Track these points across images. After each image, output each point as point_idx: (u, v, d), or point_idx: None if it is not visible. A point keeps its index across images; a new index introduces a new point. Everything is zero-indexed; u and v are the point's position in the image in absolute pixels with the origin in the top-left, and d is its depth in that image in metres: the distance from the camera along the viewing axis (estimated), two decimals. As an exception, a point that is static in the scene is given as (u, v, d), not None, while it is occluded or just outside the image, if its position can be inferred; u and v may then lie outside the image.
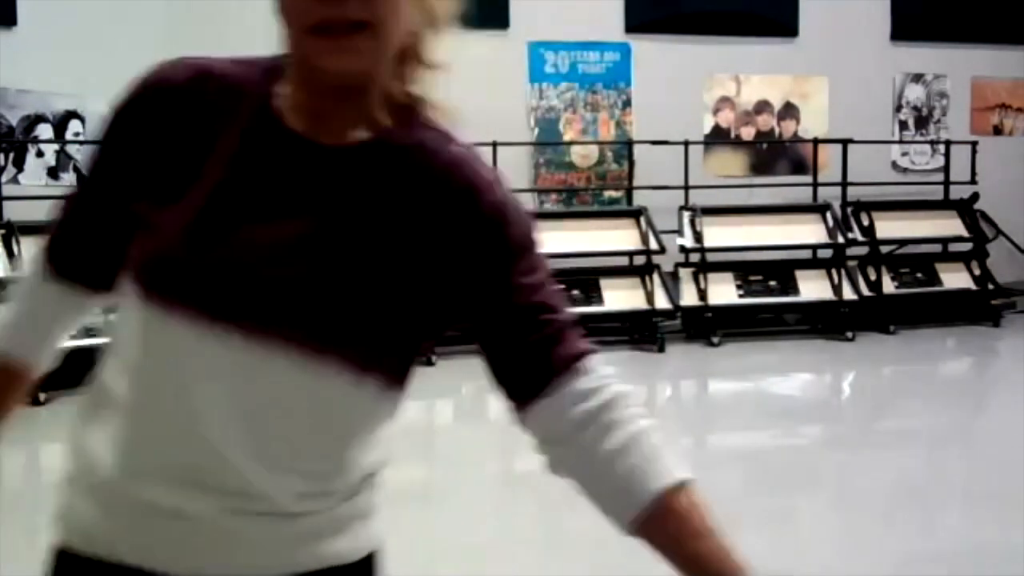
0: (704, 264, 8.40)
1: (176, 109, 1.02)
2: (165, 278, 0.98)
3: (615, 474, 0.98)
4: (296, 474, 1.00)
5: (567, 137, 9.43)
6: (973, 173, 9.67)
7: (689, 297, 8.29)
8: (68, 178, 7.83)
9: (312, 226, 0.99)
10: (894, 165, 10.20)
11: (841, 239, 8.63)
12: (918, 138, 10.29)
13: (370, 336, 0.99)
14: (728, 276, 8.49)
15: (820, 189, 9.13)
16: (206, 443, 0.97)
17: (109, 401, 1.03)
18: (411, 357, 1.05)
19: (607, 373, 1.03)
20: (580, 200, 9.50)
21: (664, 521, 0.97)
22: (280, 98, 1.02)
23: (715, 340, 8.08)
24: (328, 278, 0.98)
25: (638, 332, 8.14)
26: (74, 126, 7.84)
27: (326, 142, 1.01)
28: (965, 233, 9.16)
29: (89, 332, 6.76)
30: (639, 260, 8.27)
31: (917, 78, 10.28)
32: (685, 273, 8.42)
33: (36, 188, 7.52)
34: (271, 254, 0.98)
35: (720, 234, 8.46)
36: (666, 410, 6.63)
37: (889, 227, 8.90)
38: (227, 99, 1.02)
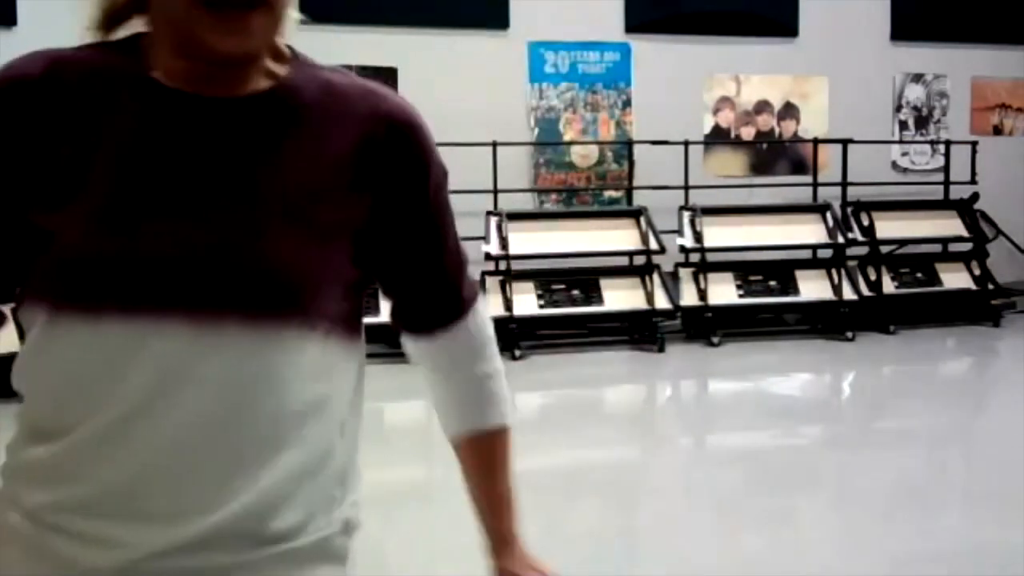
0: (704, 264, 8.40)
1: (41, 104, 0.94)
2: (85, 282, 0.90)
3: (465, 398, 1.17)
4: (281, 472, 0.94)
5: (567, 137, 9.43)
6: (973, 173, 9.67)
7: (689, 297, 8.29)
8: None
9: (235, 183, 0.94)
10: (894, 165, 10.20)
11: (841, 239, 8.63)
12: (918, 138, 10.29)
13: (308, 287, 0.96)
14: (728, 276, 8.49)
15: (820, 189, 9.13)
16: (166, 459, 0.91)
17: (38, 440, 0.95)
18: (352, 303, 1.04)
19: (485, 314, 1.18)
20: (580, 200, 9.50)
21: (477, 449, 1.18)
22: (156, 72, 0.96)
23: (715, 340, 8.08)
24: (262, 232, 0.93)
25: (638, 332, 8.14)
26: (74, 126, 7.85)
27: (224, 95, 0.96)
28: (965, 233, 9.16)
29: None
30: (639, 260, 8.27)
31: (917, 78, 10.28)
32: (685, 273, 8.42)
33: (36, 188, 7.54)
34: (195, 225, 0.92)
35: (720, 234, 8.46)
36: (666, 410, 6.64)
37: (889, 227, 8.90)
38: (95, 83, 0.96)
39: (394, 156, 1.03)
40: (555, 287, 8.02)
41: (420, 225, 1.08)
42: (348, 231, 1.00)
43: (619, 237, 8.24)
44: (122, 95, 0.95)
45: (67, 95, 0.95)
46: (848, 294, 8.48)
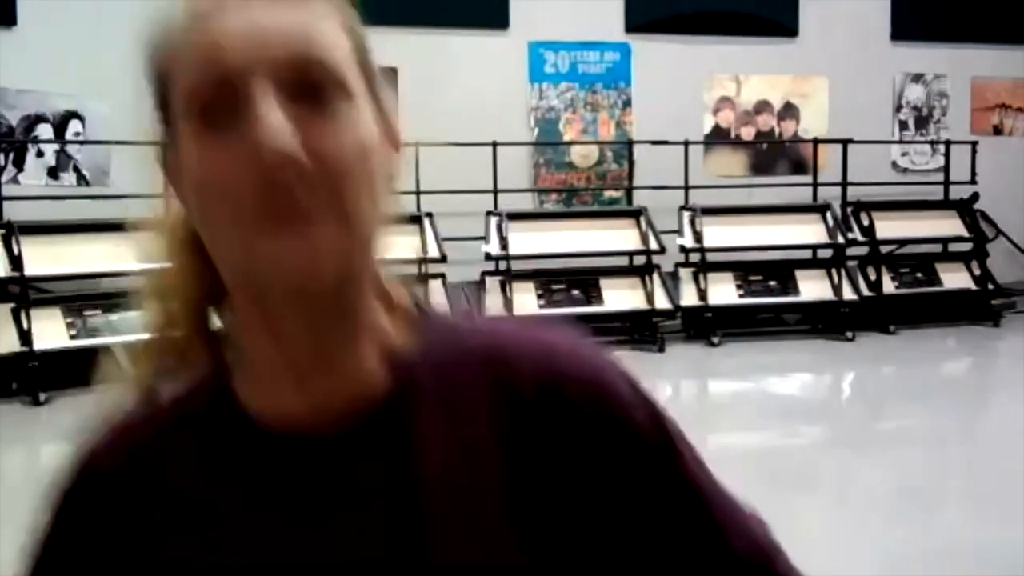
0: (704, 264, 8.40)
1: (117, 505, 0.76)
2: None
3: None
4: None
5: (567, 137, 9.43)
6: (973, 173, 9.67)
7: (689, 297, 8.29)
8: (68, 178, 7.83)
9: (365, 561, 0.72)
10: (894, 165, 10.20)
11: (841, 239, 8.63)
12: (918, 138, 10.29)
13: None
14: (728, 276, 8.49)
15: (820, 189, 9.13)
16: None
17: None
18: None
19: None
20: (580, 200, 9.50)
21: None
22: (245, 397, 0.74)
23: (715, 340, 8.08)
24: None
25: (638, 332, 8.14)
26: (74, 126, 7.85)
27: (332, 425, 0.72)
28: (965, 233, 9.17)
29: (91, 332, 6.80)
30: (639, 260, 8.27)
31: (917, 78, 10.28)
32: (685, 273, 8.42)
33: (36, 188, 7.53)
34: None
35: (720, 234, 8.46)
36: (666, 410, 6.63)
37: (889, 227, 8.90)
38: (178, 456, 0.76)
39: (576, 452, 0.73)
40: (555, 287, 8.02)
41: (660, 527, 0.75)
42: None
43: (619, 237, 8.24)
44: (214, 463, 0.75)
45: (148, 485, 0.76)
46: (848, 294, 8.48)
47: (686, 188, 8.78)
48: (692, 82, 9.60)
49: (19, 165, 7.54)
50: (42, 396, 6.23)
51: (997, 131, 10.54)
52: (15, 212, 6.98)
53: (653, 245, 8.19)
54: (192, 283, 0.78)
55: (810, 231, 8.72)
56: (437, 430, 0.73)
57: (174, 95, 0.70)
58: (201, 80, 0.67)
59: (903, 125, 10.28)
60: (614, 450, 0.74)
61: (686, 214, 8.53)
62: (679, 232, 8.46)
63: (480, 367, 0.75)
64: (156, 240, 0.81)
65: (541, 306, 7.92)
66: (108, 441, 0.78)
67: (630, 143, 9.16)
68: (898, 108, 10.25)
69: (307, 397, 0.72)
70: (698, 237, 8.39)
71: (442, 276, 7.59)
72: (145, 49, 0.74)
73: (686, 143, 8.90)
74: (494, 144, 8.14)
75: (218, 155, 0.67)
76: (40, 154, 7.70)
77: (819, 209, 8.88)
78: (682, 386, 7.44)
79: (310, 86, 0.67)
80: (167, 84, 0.71)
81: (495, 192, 8.34)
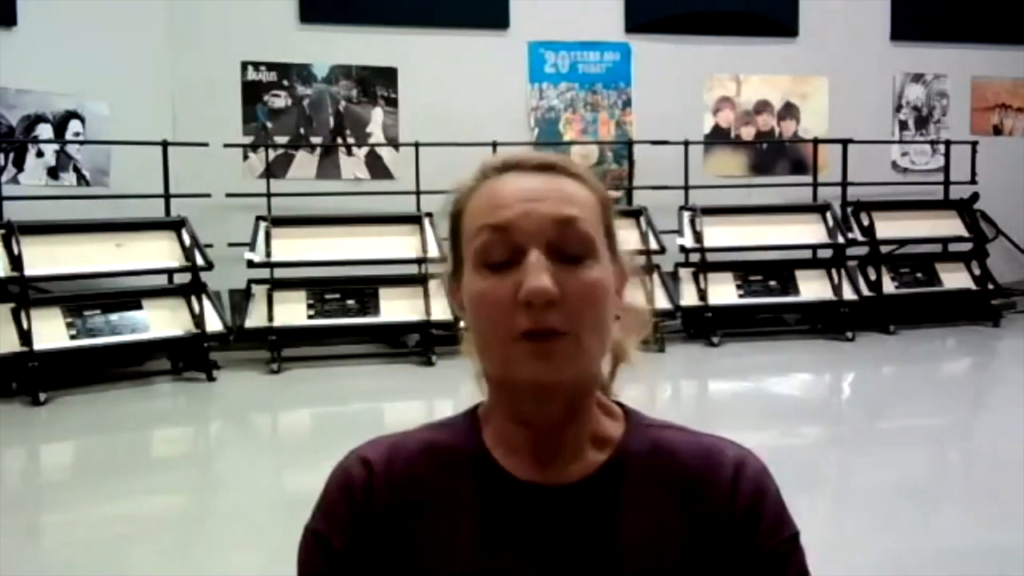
0: (704, 264, 8.40)
1: (375, 521, 0.98)
2: None
3: None
4: None
5: (567, 137, 9.43)
6: (973, 173, 9.67)
7: (689, 297, 8.29)
8: (68, 178, 7.83)
9: None
10: (894, 165, 10.20)
11: (841, 239, 8.63)
12: (918, 138, 10.29)
13: None
14: (728, 276, 8.49)
15: (820, 189, 9.13)
16: None
17: None
18: None
19: None
20: (580, 200, 9.49)
21: None
22: (491, 446, 1.00)
23: (715, 340, 8.08)
24: None
25: (638, 332, 8.12)
26: (74, 126, 7.84)
27: (559, 477, 0.97)
28: (965, 233, 9.17)
29: (91, 332, 6.79)
30: (639, 260, 8.25)
31: (917, 78, 10.28)
32: (685, 273, 8.42)
33: (36, 188, 7.53)
34: None
35: (720, 234, 8.46)
36: (666, 410, 6.62)
37: (889, 227, 8.90)
38: (445, 473, 1.00)
39: (736, 532, 0.97)
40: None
41: None
42: None
43: (619, 237, 8.22)
44: (472, 485, 0.99)
45: (422, 491, 0.99)
46: (848, 294, 8.48)
47: (686, 188, 8.78)
48: (692, 82, 9.60)
49: (19, 165, 7.54)
50: (42, 396, 6.23)
51: (997, 131, 10.54)
52: (15, 212, 6.98)
53: (653, 245, 8.19)
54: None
55: (810, 231, 8.72)
56: (637, 509, 0.97)
57: (465, 236, 0.97)
58: (492, 243, 0.94)
59: (903, 125, 10.27)
60: (758, 536, 0.98)
61: (686, 214, 8.53)
62: (679, 232, 8.46)
63: (677, 459, 1.00)
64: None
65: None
66: (386, 457, 1.00)
67: (630, 143, 9.16)
68: (898, 108, 10.25)
69: (544, 472, 0.97)
70: (698, 237, 8.39)
71: (442, 275, 7.58)
72: (448, 198, 1.02)
73: (686, 143, 8.90)
74: (494, 144, 8.13)
75: (494, 285, 0.93)
76: (40, 154, 7.70)
77: (819, 209, 8.88)
78: (682, 386, 7.43)
79: (568, 249, 0.94)
80: (459, 225, 0.99)
81: (495, 192, 8.33)
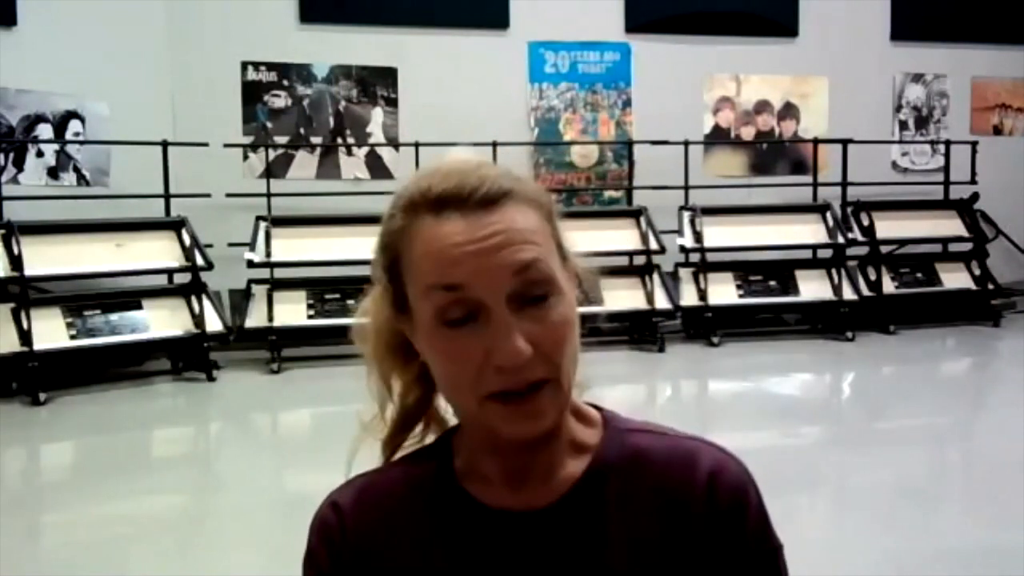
0: (704, 264, 8.40)
1: (353, 558, 0.96)
2: None
3: None
4: None
5: (567, 137, 9.43)
6: (973, 173, 9.67)
7: (689, 297, 8.29)
8: (68, 178, 7.84)
9: None
10: (894, 165, 10.20)
11: (841, 239, 8.63)
12: (918, 138, 10.29)
13: None
14: (728, 276, 8.49)
15: (820, 189, 9.13)
16: None
17: None
18: None
19: None
20: (580, 200, 9.50)
21: None
22: (464, 476, 0.96)
23: (715, 340, 8.08)
24: None
25: (638, 332, 8.14)
26: (74, 126, 7.84)
27: (536, 500, 0.94)
28: (965, 233, 9.17)
29: (90, 332, 6.79)
30: (639, 260, 8.27)
31: (917, 78, 10.28)
32: (685, 273, 8.42)
33: (36, 188, 7.53)
34: None
35: (720, 234, 8.46)
36: (666, 410, 6.63)
37: (889, 227, 8.90)
38: (406, 519, 0.97)
39: (714, 541, 0.93)
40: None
41: None
42: None
43: (619, 237, 8.23)
44: (435, 523, 0.96)
45: (378, 538, 0.96)
46: (848, 294, 8.48)
47: (686, 188, 8.78)
48: (692, 82, 9.60)
49: (19, 165, 7.54)
50: (42, 396, 6.23)
51: (997, 131, 10.54)
52: (15, 212, 6.98)
53: (653, 245, 8.19)
54: (400, 379, 1.00)
55: (810, 231, 8.72)
56: (615, 525, 0.93)
57: (411, 286, 0.90)
58: (448, 305, 0.86)
59: (903, 125, 10.27)
60: (738, 548, 0.93)
61: (686, 214, 8.53)
62: (679, 232, 8.46)
63: (655, 467, 0.95)
64: (366, 343, 1.00)
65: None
66: (355, 498, 0.98)
67: (630, 143, 9.16)
68: (898, 108, 10.25)
69: (517, 496, 0.94)
70: (698, 237, 8.39)
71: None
72: (385, 221, 0.92)
73: (686, 143, 8.90)
74: (494, 144, 8.13)
75: (461, 345, 0.86)
76: (40, 154, 7.70)
77: (819, 209, 8.88)
78: (682, 386, 7.44)
79: (530, 292, 0.87)
80: (398, 268, 0.91)
81: (495, 192, 8.33)
